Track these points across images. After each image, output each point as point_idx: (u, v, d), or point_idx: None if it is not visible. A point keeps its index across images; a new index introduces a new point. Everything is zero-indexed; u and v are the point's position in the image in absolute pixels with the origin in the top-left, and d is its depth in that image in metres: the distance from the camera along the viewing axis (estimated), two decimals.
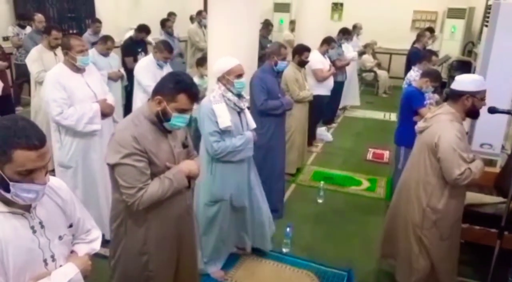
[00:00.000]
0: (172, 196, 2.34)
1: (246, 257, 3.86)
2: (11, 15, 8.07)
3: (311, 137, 6.66)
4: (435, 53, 5.53)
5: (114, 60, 6.00)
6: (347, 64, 7.60)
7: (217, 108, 3.18)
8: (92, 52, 5.41)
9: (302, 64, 5.43)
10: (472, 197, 3.68)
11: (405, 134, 4.20)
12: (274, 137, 4.35)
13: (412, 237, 3.15)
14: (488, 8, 7.29)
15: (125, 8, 10.03)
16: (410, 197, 3.17)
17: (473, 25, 11.14)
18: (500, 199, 3.73)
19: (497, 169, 4.41)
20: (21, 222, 1.58)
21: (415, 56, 6.49)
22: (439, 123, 2.96)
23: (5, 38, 7.80)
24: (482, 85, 2.95)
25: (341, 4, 12.47)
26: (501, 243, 3.00)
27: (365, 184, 5.63)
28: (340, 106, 8.63)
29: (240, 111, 3.37)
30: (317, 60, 6.20)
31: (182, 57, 8.51)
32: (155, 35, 8.57)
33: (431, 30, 9.15)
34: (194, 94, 2.31)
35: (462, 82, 2.97)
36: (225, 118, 3.18)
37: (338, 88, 7.33)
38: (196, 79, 4.88)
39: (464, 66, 9.50)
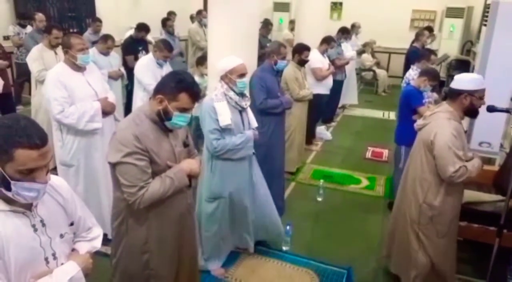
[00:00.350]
0: (173, 195, 2.35)
1: (246, 255, 3.87)
2: (11, 14, 8.08)
3: (311, 136, 6.68)
4: (434, 52, 5.55)
5: (115, 59, 6.01)
6: (347, 63, 7.61)
7: (218, 107, 3.21)
8: (93, 51, 5.42)
9: (302, 63, 5.44)
10: (471, 195, 3.70)
11: (405, 134, 4.21)
12: (274, 136, 4.36)
13: (411, 233, 3.18)
14: (486, 7, 7.28)
15: (125, 7, 10.03)
16: (408, 193, 3.21)
17: (471, 24, 11.15)
18: (499, 197, 3.74)
19: (495, 167, 4.42)
20: (22, 221, 1.59)
21: (414, 55, 6.49)
22: (437, 121, 2.99)
23: (6, 37, 7.80)
24: (480, 84, 2.96)
25: (341, 4, 12.47)
26: (500, 241, 3.01)
27: (364, 182, 5.64)
28: (339, 105, 8.65)
29: (241, 110, 3.38)
30: (316, 59, 6.21)
31: (182, 57, 8.51)
32: (155, 34, 8.58)
33: (430, 29, 9.15)
34: (196, 93, 2.32)
35: (461, 81, 2.99)
36: (225, 117, 3.20)
37: (337, 87, 7.35)
38: (196, 78, 4.82)
39: (463, 65, 9.51)
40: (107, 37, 5.81)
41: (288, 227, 4.01)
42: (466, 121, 3.80)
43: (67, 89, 3.48)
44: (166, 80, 2.30)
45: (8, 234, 1.53)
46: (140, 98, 4.90)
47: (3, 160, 1.46)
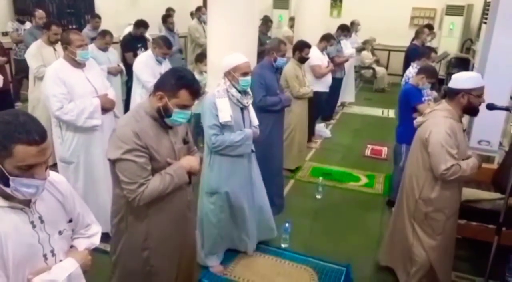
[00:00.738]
0: (173, 192, 2.35)
1: (245, 252, 3.86)
2: (10, 10, 8.05)
3: (310, 133, 6.67)
4: (434, 50, 5.53)
5: (113, 55, 6.00)
6: (346, 60, 7.60)
7: (219, 103, 3.21)
8: (91, 47, 5.40)
9: (302, 60, 5.43)
10: (470, 193, 3.71)
11: (406, 132, 4.21)
12: (273, 133, 4.36)
13: (408, 228, 3.21)
14: (486, 5, 7.30)
15: (124, 4, 10.00)
16: (406, 190, 3.24)
17: (471, 22, 11.15)
18: (498, 195, 3.74)
19: (494, 166, 4.43)
20: (20, 217, 1.58)
21: (413, 53, 6.49)
22: (434, 119, 3.00)
23: (4, 34, 7.78)
24: (478, 82, 2.95)
25: (340, 1, 12.45)
26: (499, 239, 3.01)
27: (364, 180, 5.64)
28: (339, 102, 8.65)
29: (243, 108, 3.38)
30: (316, 57, 6.20)
31: (181, 54, 8.49)
32: (155, 31, 8.56)
33: (430, 27, 9.15)
34: (196, 90, 2.32)
35: (458, 80, 2.99)
36: (225, 113, 3.20)
37: (336, 84, 7.35)
38: (195, 75, 4.88)
39: (463, 63, 9.52)
40: (105, 33, 5.81)
41: (287, 225, 4.01)
42: (465, 119, 3.80)
43: (66, 85, 3.47)
44: (166, 77, 2.30)
45: (6, 231, 1.53)
46: (138, 95, 4.89)
47: (2, 156, 1.45)
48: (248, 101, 3.39)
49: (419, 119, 3.23)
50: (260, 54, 4.90)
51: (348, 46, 8.06)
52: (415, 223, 3.16)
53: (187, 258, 2.68)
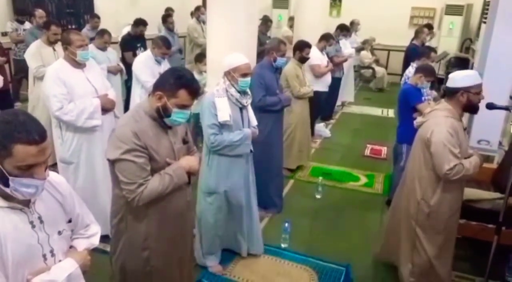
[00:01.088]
0: (172, 192, 2.34)
1: None
2: (9, 10, 8.04)
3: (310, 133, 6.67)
4: (434, 50, 5.53)
5: (113, 55, 5.99)
6: (345, 60, 7.60)
7: (219, 102, 3.21)
8: (90, 47, 5.39)
9: (303, 60, 5.43)
10: (470, 192, 3.70)
11: (407, 132, 4.20)
12: (272, 133, 4.36)
13: (409, 228, 3.20)
14: (486, 4, 7.30)
15: (123, 4, 9.99)
16: (407, 190, 3.23)
17: (471, 21, 11.16)
18: (498, 195, 3.74)
19: (494, 165, 4.43)
20: (20, 217, 1.58)
21: (413, 53, 6.49)
22: (435, 119, 3.00)
23: (4, 34, 7.77)
24: (475, 80, 2.96)
25: (340, 1, 12.47)
26: (498, 238, 3.01)
27: (363, 179, 5.64)
28: (339, 102, 8.65)
29: (242, 108, 3.38)
30: (315, 56, 6.19)
31: (181, 54, 8.48)
32: (154, 31, 8.55)
33: (429, 26, 9.15)
34: (195, 90, 2.31)
35: (455, 79, 3.00)
36: (224, 113, 3.20)
37: (335, 84, 7.34)
38: (195, 75, 4.88)
39: (462, 63, 9.53)
40: (103, 32, 5.80)
41: (286, 225, 4.01)
42: (465, 119, 3.80)
43: (66, 86, 3.46)
44: (165, 77, 2.30)
45: (5, 231, 1.52)
46: (138, 95, 4.89)
47: (1, 156, 1.45)
48: (247, 101, 3.39)
49: (419, 119, 3.22)
50: (260, 54, 4.90)
51: (347, 46, 8.06)
52: (416, 225, 3.14)
53: (186, 258, 2.68)
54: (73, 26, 9.07)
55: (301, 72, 5.45)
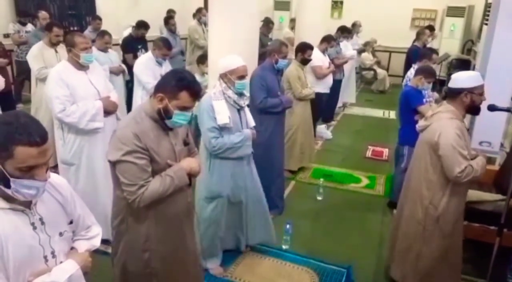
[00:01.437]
0: (173, 194, 2.34)
1: (246, 253, 3.87)
2: (11, 12, 8.07)
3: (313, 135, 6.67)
4: (435, 51, 5.52)
5: (114, 56, 6.02)
6: (345, 62, 7.60)
7: (217, 105, 3.19)
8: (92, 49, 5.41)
9: (304, 62, 5.43)
10: (472, 194, 3.68)
11: (408, 134, 4.20)
12: (273, 135, 4.35)
13: (416, 235, 3.14)
14: (488, 6, 7.30)
15: (125, 5, 10.02)
16: (413, 196, 3.17)
17: (472, 23, 11.14)
18: (499, 196, 3.74)
19: (496, 167, 4.42)
20: (21, 219, 1.58)
21: (414, 54, 6.49)
22: (440, 121, 2.95)
23: (6, 35, 7.80)
24: (478, 80, 2.95)
25: (341, 2, 12.48)
26: (500, 240, 3.00)
27: (364, 181, 5.64)
28: (340, 104, 8.65)
29: (239, 109, 3.37)
30: (317, 58, 6.19)
31: (183, 55, 8.49)
32: (156, 32, 8.56)
33: (431, 28, 9.14)
34: (196, 91, 2.31)
35: (458, 79, 2.98)
36: (223, 115, 3.18)
37: (336, 86, 7.34)
38: (197, 77, 4.86)
39: (464, 65, 9.52)
40: (103, 33, 5.83)
41: (288, 226, 4.01)
42: (466, 120, 3.80)
43: (69, 87, 3.46)
44: (166, 79, 2.29)
45: (7, 232, 1.53)
46: (139, 97, 4.89)
47: (2, 157, 1.46)
48: (244, 101, 3.38)
49: (421, 123, 3.17)
50: (261, 56, 4.90)
51: (349, 48, 8.06)
52: (424, 229, 3.08)
53: (189, 259, 2.67)
54: (75, 28, 9.10)
55: (302, 74, 5.45)
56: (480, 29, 9.25)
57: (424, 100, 4.32)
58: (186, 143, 2.51)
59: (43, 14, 6.99)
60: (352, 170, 5.95)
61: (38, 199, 1.63)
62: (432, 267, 3.12)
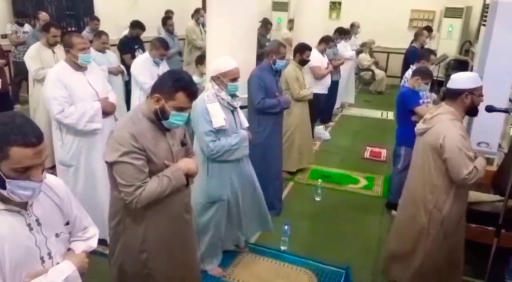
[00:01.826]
0: (171, 194, 2.34)
1: (244, 254, 3.87)
2: (9, 12, 8.06)
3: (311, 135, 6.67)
4: (433, 53, 5.52)
5: (112, 57, 5.99)
6: (342, 63, 7.59)
7: (211, 108, 3.16)
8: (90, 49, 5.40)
9: (303, 63, 5.43)
10: (470, 195, 3.68)
11: (405, 135, 4.20)
12: (271, 135, 4.35)
13: (419, 238, 3.12)
14: (485, 7, 7.29)
15: (123, 6, 10.00)
16: (416, 200, 3.13)
17: (470, 24, 11.16)
18: (497, 197, 3.74)
19: (494, 168, 4.42)
20: (17, 220, 1.58)
21: (412, 55, 6.50)
22: (442, 124, 2.92)
23: (3, 36, 7.78)
24: (478, 81, 2.95)
25: (339, 3, 12.48)
26: (498, 241, 3.00)
27: (363, 182, 5.64)
28: (338, 104, 8.65)
29: (233, 110, 3.36)
30: (316, 58, 6.19)
31: (181, 56, 8.48)
32: (154, 33, 8.55)
33: (429, 29, 9.15)
34: (193, 92, 2.30)
35: (459, 80, 2.96)
36: (219, 118, 3.16)
37: (333, 87, 7.33)
38: (195, 78, 4.88)
39: (461, 66, 9.53)
40: (100, 33, 5.80)
41: (286, 227, 4.00)
42: (464, 121, 3.79)
43: (67, 88, 3.45)
44: (163, 79, 2.29)
45: (3, 233, 1.52)
46: (137, 97, 4.90)
47: None
48: (237, 102, 3.37)
49: (420, 126, 3.13)
50: (260, 57, 4.90)
51: (348, 49, 8.07)
52: (428, 232, 3.05)
53: (188, 260, 2.67)
54: (73, 29, 9.08)
55: (301, 74, 5.44)
56: (478, 30, 9.25)
57: (421, 101, 4.32)
58: (183, 144, 2.50)
59: (43, 15, 6.97)
60: (350, 171, 5.95)
61: (34, 200, 1.62)
62: (434, 268, 3.11)
